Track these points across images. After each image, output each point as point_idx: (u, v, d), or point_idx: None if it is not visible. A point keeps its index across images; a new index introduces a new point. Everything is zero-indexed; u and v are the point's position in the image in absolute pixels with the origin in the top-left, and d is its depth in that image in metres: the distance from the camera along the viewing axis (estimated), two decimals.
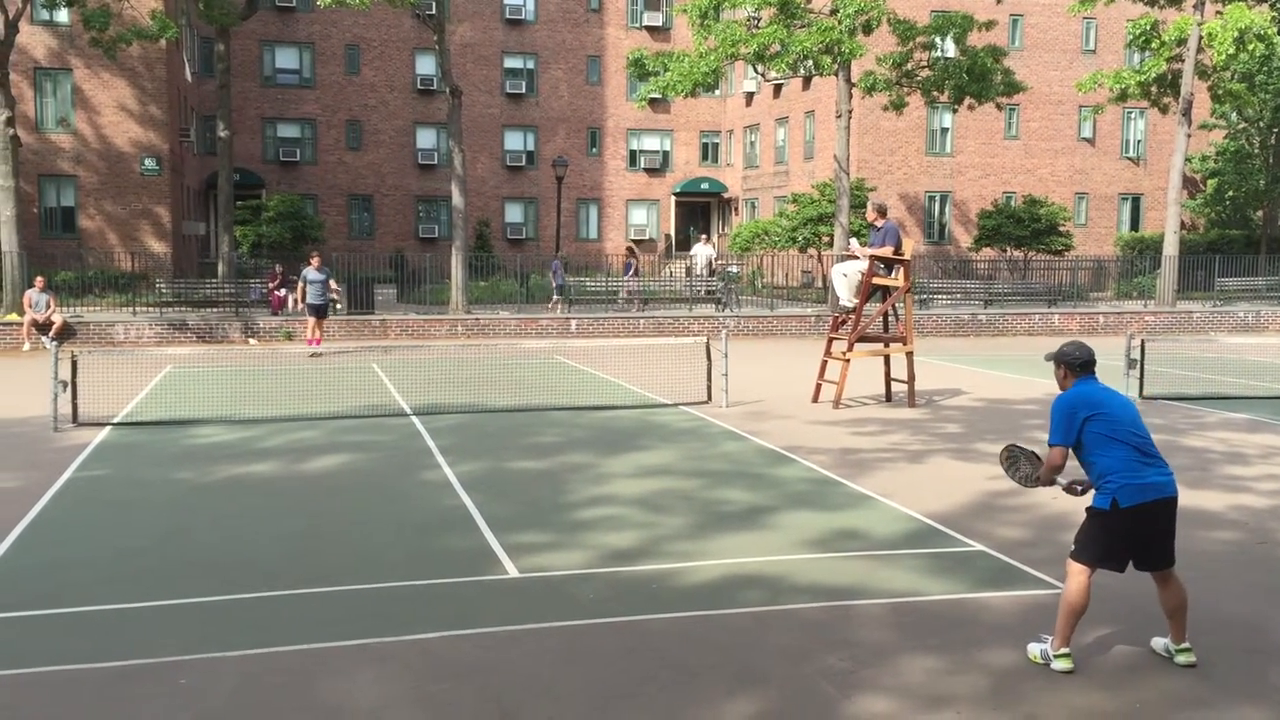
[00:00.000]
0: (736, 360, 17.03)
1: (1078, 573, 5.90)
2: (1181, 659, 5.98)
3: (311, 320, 22.95)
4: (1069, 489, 6.20)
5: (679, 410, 15.14)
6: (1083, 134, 43.00)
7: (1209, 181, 42.33)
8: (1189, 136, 31.94)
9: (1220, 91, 33.80)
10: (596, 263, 39.59)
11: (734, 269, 33.54)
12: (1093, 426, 5.87)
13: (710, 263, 34.76)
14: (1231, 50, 29.18)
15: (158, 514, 9.41)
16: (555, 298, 29.87)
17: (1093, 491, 5.99)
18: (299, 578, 7.51)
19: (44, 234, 33.19)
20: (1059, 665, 5.86)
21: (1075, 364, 6.10)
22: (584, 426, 13.84)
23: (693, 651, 6.18)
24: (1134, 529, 5.83)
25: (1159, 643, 6.17)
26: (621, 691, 5.64)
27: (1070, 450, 5.96)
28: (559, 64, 47.38)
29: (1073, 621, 5.88)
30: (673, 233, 49.42)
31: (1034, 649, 6.04)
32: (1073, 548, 6.03)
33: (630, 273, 31.34)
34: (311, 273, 22.98)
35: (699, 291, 31.17)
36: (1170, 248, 31.84)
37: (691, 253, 35.37)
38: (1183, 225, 36.00)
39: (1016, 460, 6.49)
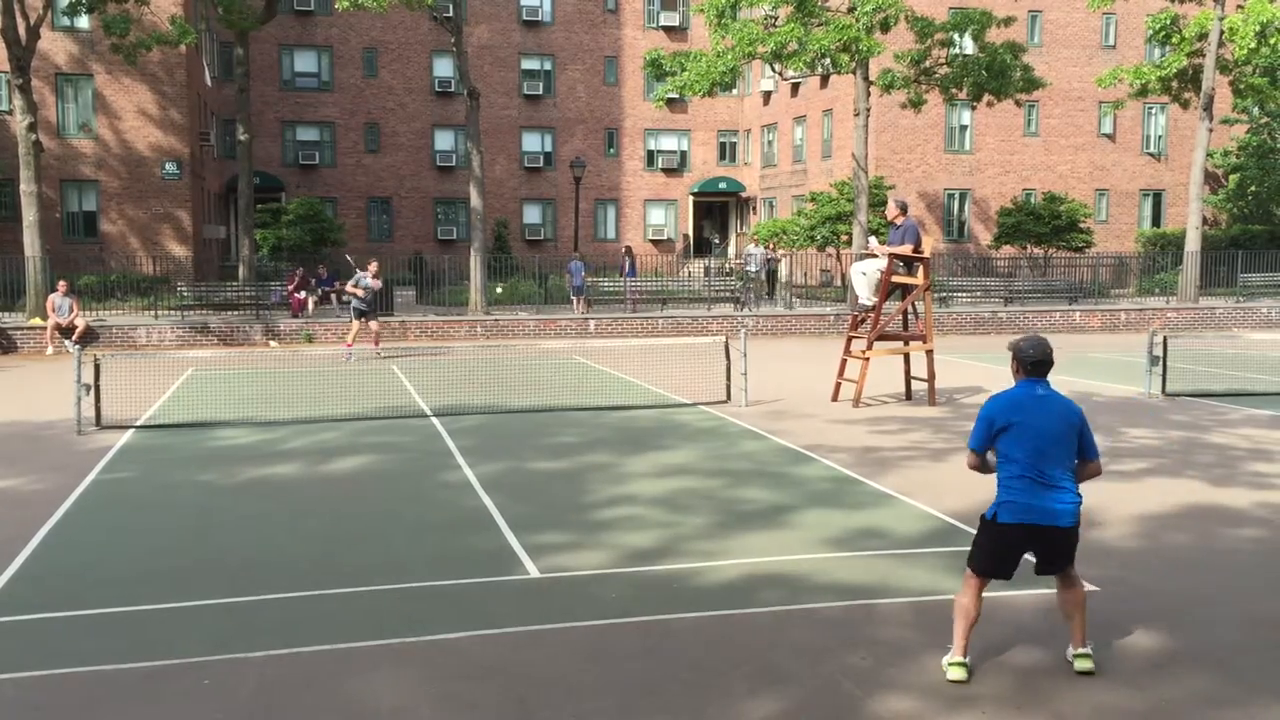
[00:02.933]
0: (755, 359, 17.00)
1: (966, 579, 5.84)
2: (1079, 665, 5.79)
3: (358, 324, 22.73)
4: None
5: (698, 410, 15.13)
6: (1103, 130, 42.75)
7: (1231, 177, 42.04)
8: (1210, 131, 31.70)
9: (1242, 86, 33.54)
10: (615, 263, 39.61)
11: (776, 259, 33.56)
12: (1005, 437, 5.72)
13: (766, 262, 34.56)
14: (1253, 44, 28.98)
15: (181, 516, 9.46)
16: (573, 298, 29.89)
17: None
18: (321, 579, 7.54)
19: (66, 238, 33.48)
20: (952, 675, 5.68)
21: (1026, 361, 5.83)
22: (604, 426, 13.85)
23: (714, 651, 6.17)
24: (1016, 545, 5.73)
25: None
26: (643, 691, 5.64)
27: (986, 454, 5.83)
28: (576, 65, 47.42)
29: (966, 629, 5.74)
30: (691, 232, 49.40)
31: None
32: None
33: (631, 273, 31.36)
34: (367, 279, 22.82)
35: (727, 290, 31.12)
36: (1192, 243, 31.62)
37: (748, 252, 35.26)
38: (1205, 221, 35.75)
39: None
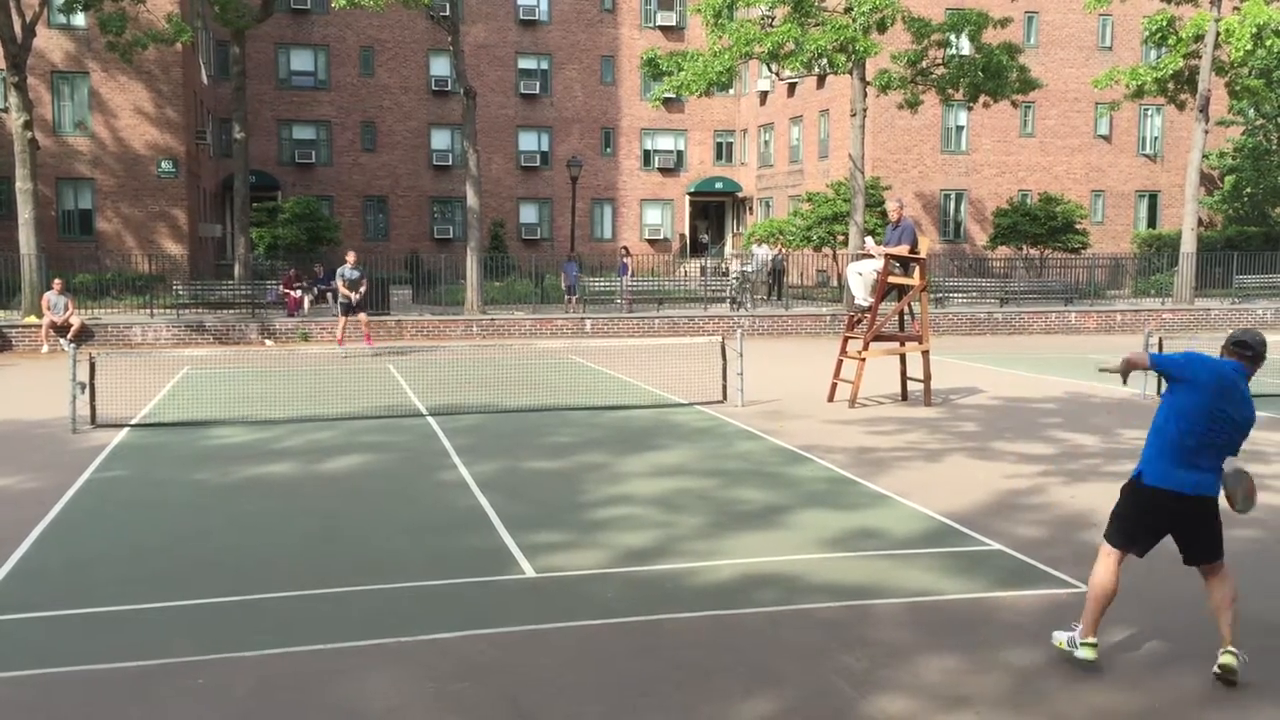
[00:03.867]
0: (752, 359, 17.00)
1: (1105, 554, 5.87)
2: (1222, 660, 5.69)
3: (345, 319, 23.10)
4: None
5: (694, 410, 15.12)
6: (1099, 131, 42.81)
7: (1227, 178, 42.10)
8: (1206, 133, 31.74)
9: (1238, 87, 33.59)
10: (611, 263, 39.59)
11: (784, 259, 33.59)
12: (1175, 390, 5.68)
13: (770, 263, 34.50)
14: (1249, 46, 29.00)
15: (176, 515, 9.44)
16: (567, 297, 29.92)
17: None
18: (316, 578, 7.53)
19: (62, 236, 33.42)
20: (1083, 654, 5.76)
21: (1246, 354, 5.78)
22: (600, 426, 13.84)
23: (709, 651, 6.16)
24: (1154, 514, 5.77)
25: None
26: (638, 691, 5.63)
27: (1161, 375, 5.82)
28: (573, 64, 47.41)
29: (1100, 609, 5.80)
30: (688, 232, 49.40)
31: (1060, 636, 5.97)
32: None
33: (625, 274, 31.38)
34: (346, 268, 23.23)
35: (723, 290, 31.13)
36: (1188, 245, 31.66)
37: (753, 251, 35.23)
38: (1200, 222, 35.79)
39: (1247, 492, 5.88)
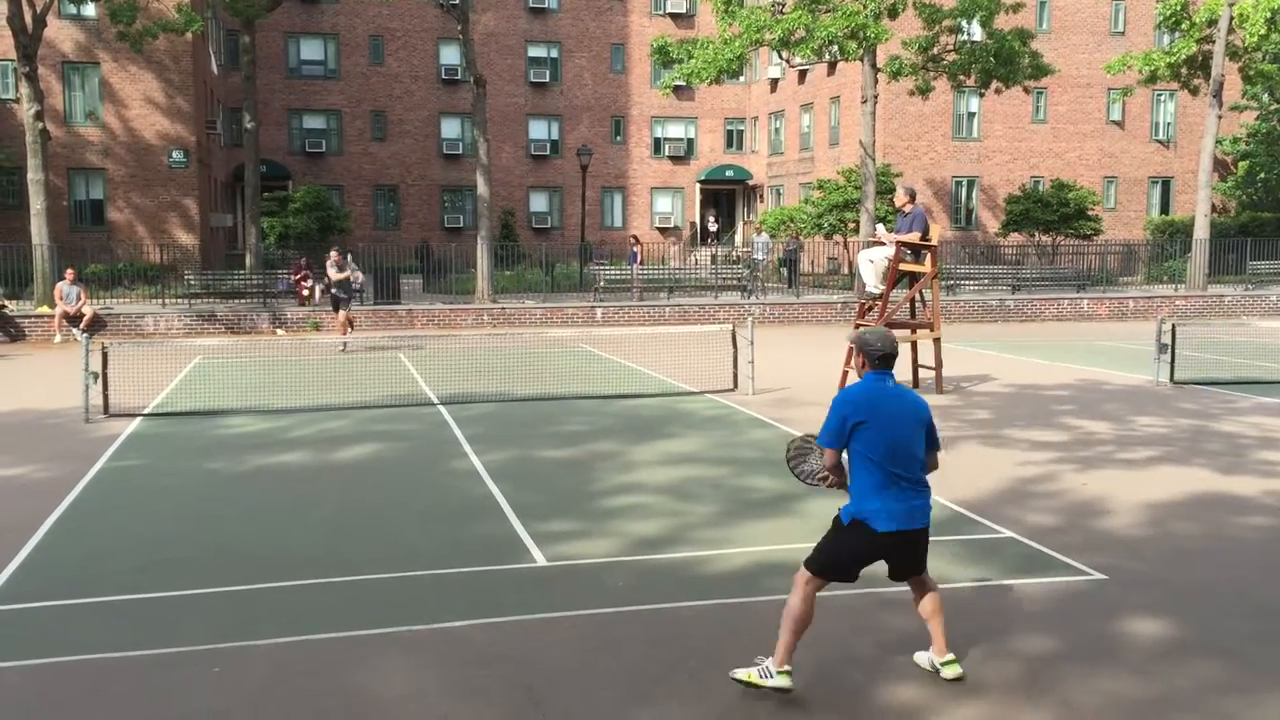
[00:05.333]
0: (762, 347, 16.98)
1: (803, 582, 5.43)
2: (948, 672, 5.52)
3: (343, 314, 22.48)
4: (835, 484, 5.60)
5: (705, 398, 15.11)
6: (1111, 117, 42.57)
7: (1240, 164, 41.85)
8: (1220, 118, 31.57)
9: (1252, 72, 33.39)
10: (621, 251, 39.56)
11: (799, 246, 33.46)
12: (859, 435, 5.36)
13: (785, 251, 34.37)
14: (1263, 31, 28.82)
15: (189, 503, 9.48)
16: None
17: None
18: (329, 566, 7.55)
19: (74, 227, 33.51)
20: (777, 682, 5.33)
21: (874, 355, 5.49)
22: (611, 415, 13.84)
23: (721, 639, 6.16)
24: (873, 552, 5.42)
25: (922, 657, 5.70)
26: (650, 679, 5.64)
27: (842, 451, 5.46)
28: (583, 52, 47.31)
29: (797, 634, 5.37)
30: (698, 220, 49.33)
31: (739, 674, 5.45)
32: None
33: (635, 262, 31.35)
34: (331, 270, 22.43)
35: (734, 278, 31.06)
36: (1201, 231, 31.51)
37: (756, 240, 35.13)
38: (1214, 208, 35.64)
39: (806, 454, 5.92)
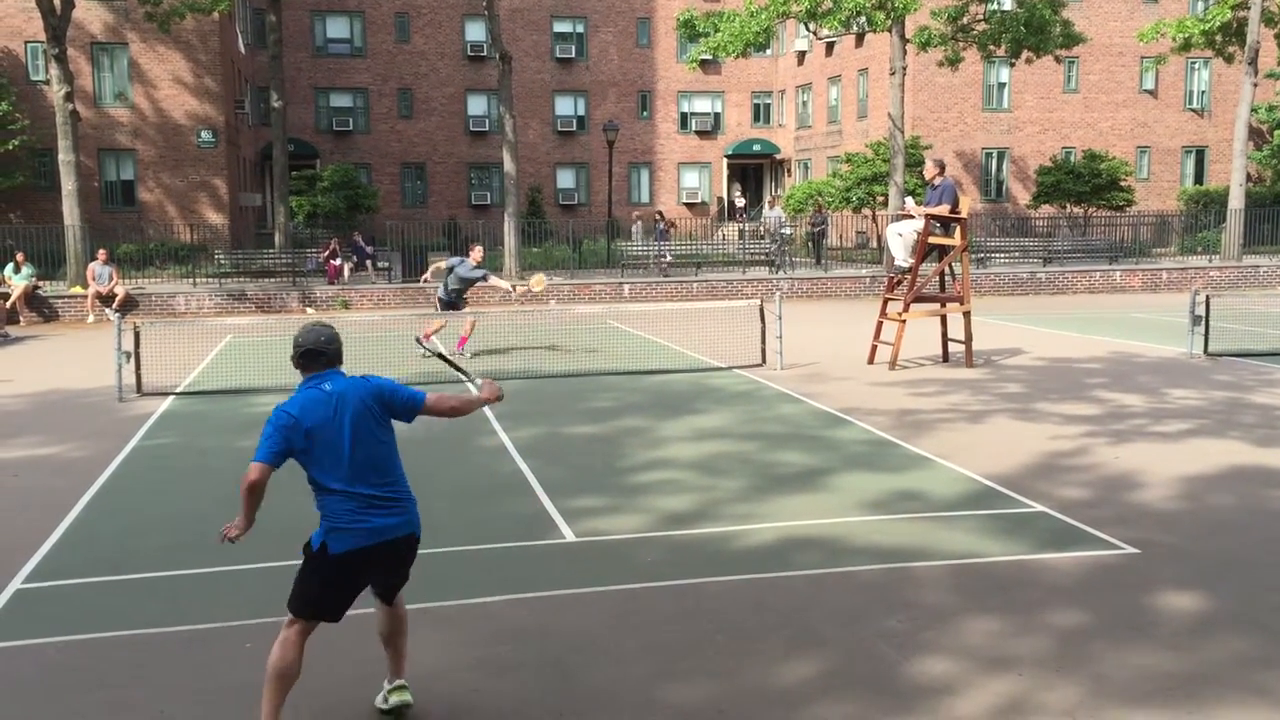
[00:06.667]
0: (791, 322, 16.91)
1: (286, 628, 4.75)
2: (395, 698, 4.97)
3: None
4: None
5: (734, 373, 15.08)
6: (1144, 86, 41.96)
7: (1276, 132, 41.16)
8: (1255, 86, 31.05)
9: None
10: (649, 227, 39.45)
11: (825, 221, 33.24)
12: (304, 461, 4.70)
13: (782, 223, 34.19)
14: None
15: (221, 481, 9.54)
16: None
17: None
18: None
19: (105, 207, 33.77)
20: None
21: (296, 353, 4.77)
22: (639, 391, 13.85)
23: (750, 614, 6.17)
24: (351, 575, 4.76)
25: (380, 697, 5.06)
26: (680, 654, 5.65)
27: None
28: (608, 27, 47.06)
29: (282, 693, 4.66)
30: (725, 195, 49.11)
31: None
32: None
33: (662, 239, 31.24)
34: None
35: (762, 253, 30.89)
36: (1236, 201, 31.07)
37: (768, 214, 34.97)
38: (1249, 178, 35.06)
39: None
